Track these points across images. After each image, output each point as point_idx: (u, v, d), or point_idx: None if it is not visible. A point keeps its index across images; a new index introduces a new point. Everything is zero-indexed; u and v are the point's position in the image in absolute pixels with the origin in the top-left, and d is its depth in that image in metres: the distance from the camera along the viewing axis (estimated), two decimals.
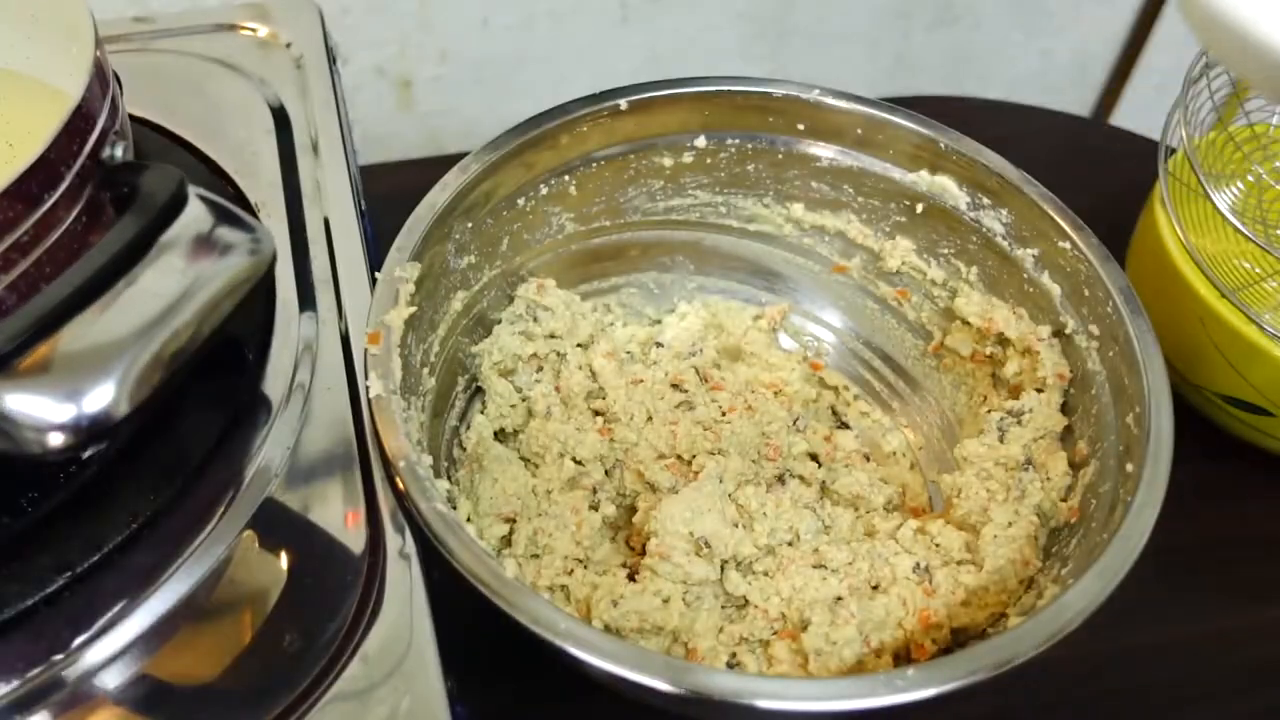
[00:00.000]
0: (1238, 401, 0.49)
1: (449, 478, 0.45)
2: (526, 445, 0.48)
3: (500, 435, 0.49)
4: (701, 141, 0.50)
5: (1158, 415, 0.40)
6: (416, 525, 0.36)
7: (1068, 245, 0.45)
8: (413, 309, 0.41)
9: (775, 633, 0.42)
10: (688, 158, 0.51)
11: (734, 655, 0.42)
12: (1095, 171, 0.48)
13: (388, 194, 0.49)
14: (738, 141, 0.50)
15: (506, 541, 0.45)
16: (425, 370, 0.44)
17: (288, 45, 0.53)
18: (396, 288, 0.41)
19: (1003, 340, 0.48)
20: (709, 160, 0.51)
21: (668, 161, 0.51)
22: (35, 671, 0.33)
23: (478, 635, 0.37)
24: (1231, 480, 0.52)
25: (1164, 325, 0.47)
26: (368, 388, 0.38)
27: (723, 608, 0.43)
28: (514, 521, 0.45)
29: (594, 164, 0.50)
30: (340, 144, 0.49)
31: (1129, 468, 0.39)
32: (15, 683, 0.33)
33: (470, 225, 0.46)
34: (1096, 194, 0.48)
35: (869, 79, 0.79)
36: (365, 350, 0.40)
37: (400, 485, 0.36)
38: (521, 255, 0.50)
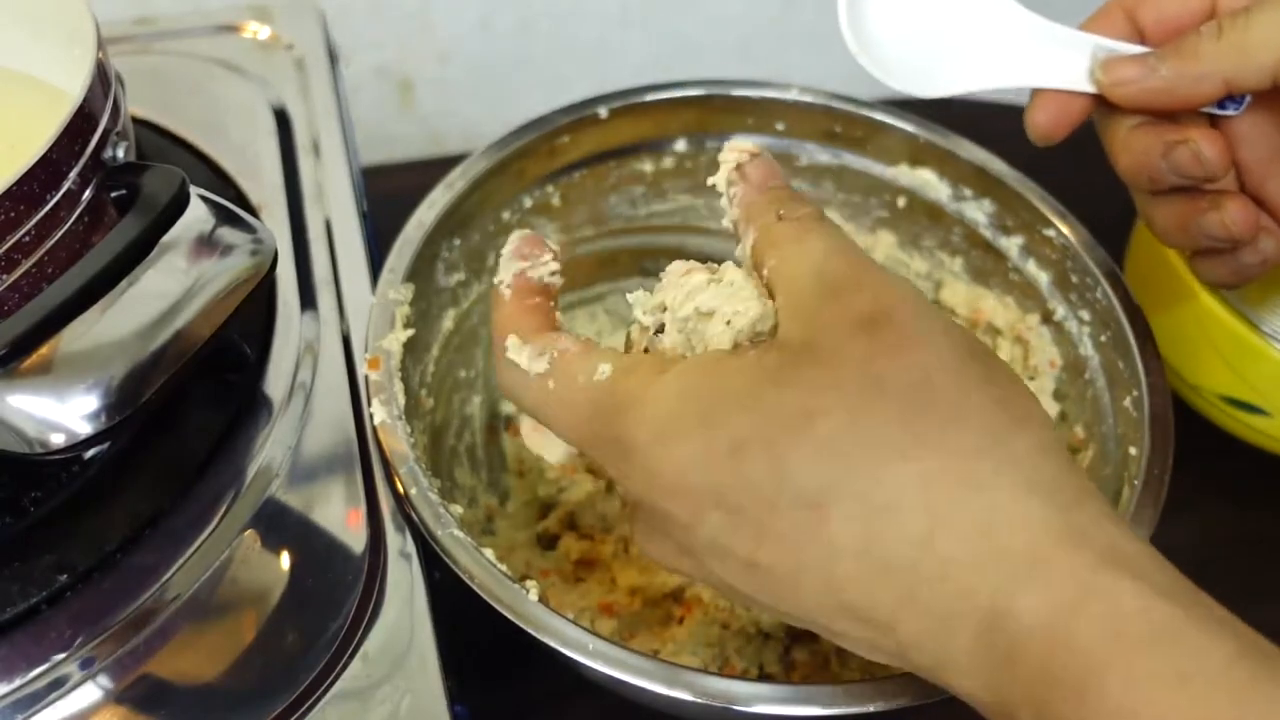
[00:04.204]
0: (1236, 402, 0.49)
1: (454, 498, 0.45)
2: None
3: None
4: (681, 145, 0.50)
5: (1156, 397, 0.40)
6: (430, 549, 0.36)
7: (1052, 233, 0.46)
8: (410, 331, 0.42)
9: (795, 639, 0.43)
10: (668, 162, 0.51)
11: (761, 668, 0.42)
12: (1095, 172, 0.48)
13: (389, 194, 0.49)
14: (717, 144, 0.50)
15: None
16: (423, 391, 0.44)
17: (289, 46, 0.53)
18: (392, 310, 0.41)
19: (992, 329, 0.49)
20: (689, 164, 0.51)
21: (648, 167, 0.51)
22: (37, 671, 0.33)
23: (478, 635, 0.37)
24: (1230, 480, 0.52)
25: (1163, 325, 0.47)
26: (371, 415, 0.39)
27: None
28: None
29: (576, 173, 0.50)
30: (341, 145, 0.49)
31: (1132, 451, 0.40)
32: (17, 682, 0.33)
33: (458, 242, 0.46)
34: (1096, 195, 0.48)
35: (869, 80, 0.79)
36: (366, 376, 0.40)
37: (414, 514, 0.36)
38: None
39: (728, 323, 0.29)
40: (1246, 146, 0.37)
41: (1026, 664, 0.24)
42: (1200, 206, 0.36)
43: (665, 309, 0.31)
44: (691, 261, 0.32)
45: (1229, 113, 0.36)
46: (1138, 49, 0.36)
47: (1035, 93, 0.38)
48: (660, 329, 0.31)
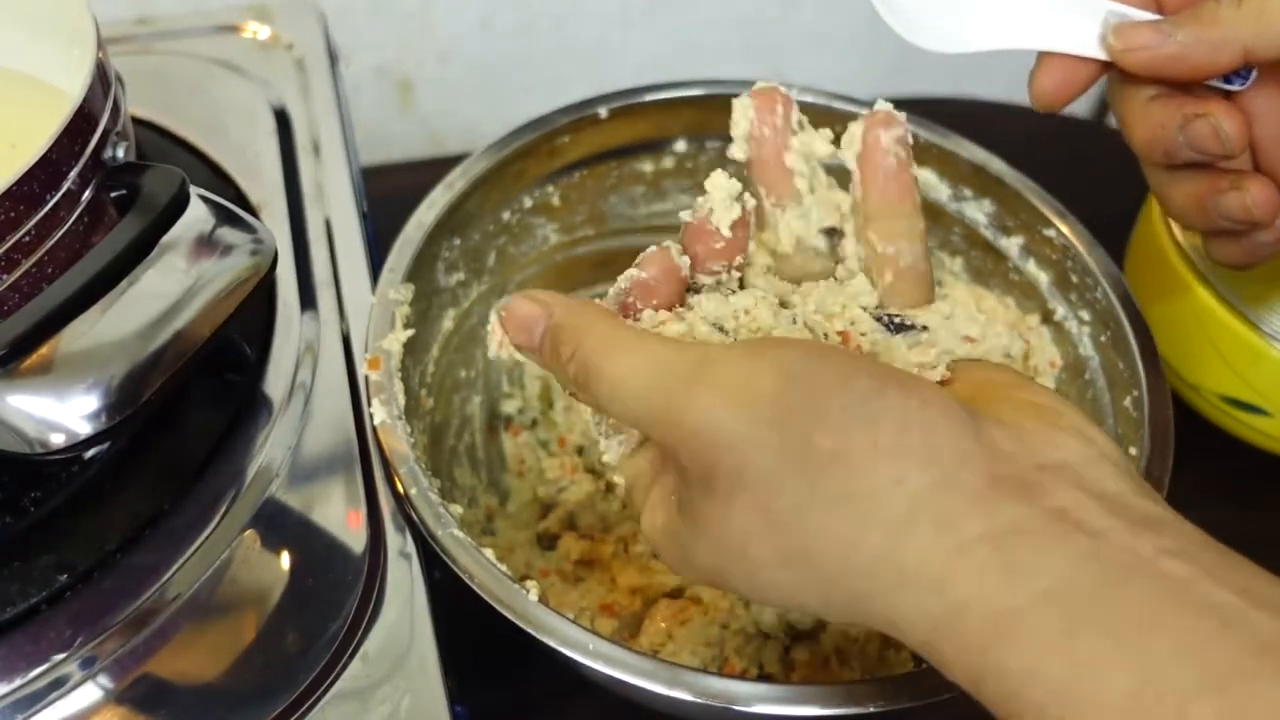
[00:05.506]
0: (1236, 402, 0.50)
1: (454, 498, 0.45)
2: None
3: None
4: (681, 145, 0.50)
5: (1155, 397, 0.40)
6: (430, 549, 0.36)
7: (1053, 233, 0.46)
8: (410, 332, 0.42)
9: (793, 640, 0.43)
10: (668, 162, 0.51)
11: (761, 668, 0.42)
12: (1095, 173, 0.49)
13: (389, 194, 0.49)
14: (717, 144, 0.50)
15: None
16: (423, 391, 0.44)
17: (289, 46, 0.53)
18: (392, 310, 0.41)
19: None
20: (689, 164, 0.51)
21: (648, 167, 0.51)
22: (37, 671, 0.33)
23: (478, 634, 0.37)
24: (1230, 480, 0.52)
25: (1163, 325, 0.47)
26: (371, 415, 0.39)
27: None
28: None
29: (576, 173, 0.50)
30: (341, 145, 0.49)
31: (1132, 451, 0.40)
32: (17, 682, 0.33)
33: (458, 242, 0.46)
34: (1096, 195, 0.48)
35: (869, 80, 0.79)
36: (366, 376, 0.40)
37: (414, 514, 0.36)
38: (508, 269, 0.50)
39: None
40: (1259, 124, 0.35)
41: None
42: (1220, 186, 0.35)
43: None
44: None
45: (1235, 87, 0.35)
46: (1152, 16, 0.35)
47: (1041, 57, 0.36)
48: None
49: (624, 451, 0.33)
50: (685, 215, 0.34)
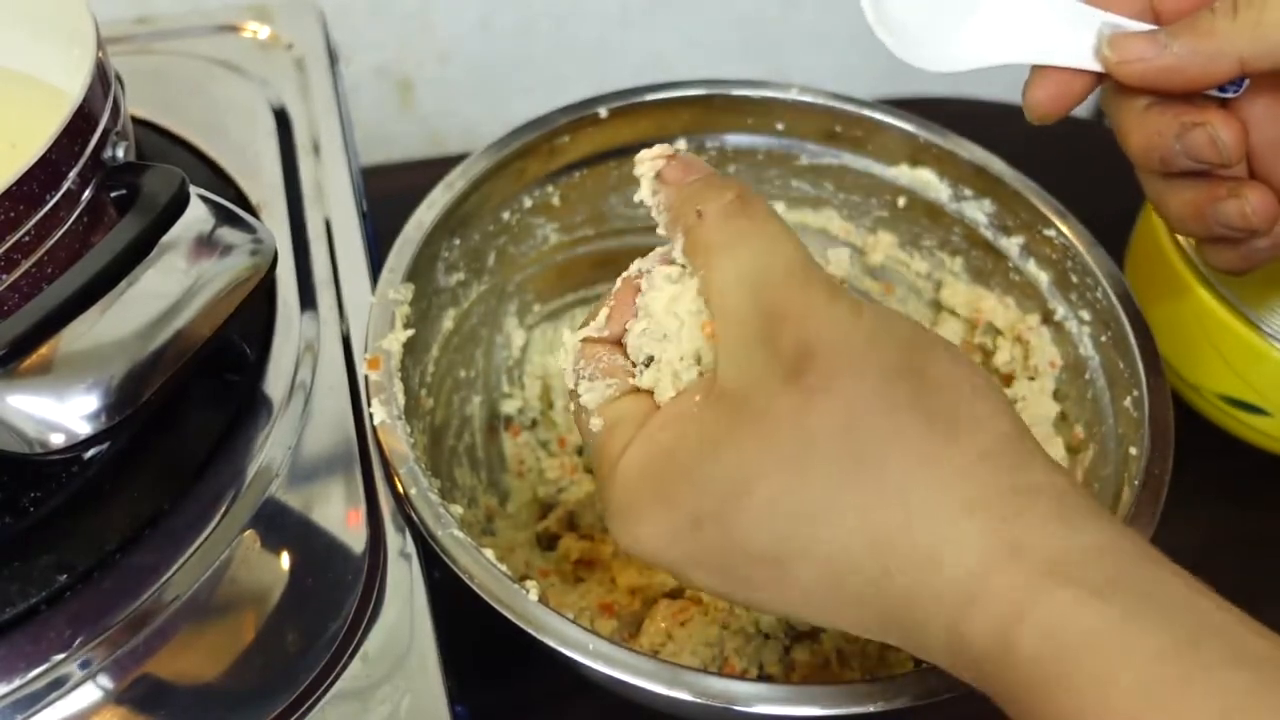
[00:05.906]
0: (1236, 402, 0.49)
1: (454, 498, 0.45)
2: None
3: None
4: (681, 145, 0.50)
5: (1156, 397, 0.40)
6: (430, 549, 0.36)
7: (1053, 233, 0.46)
8: (410, 332, 0.42)
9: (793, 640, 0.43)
10: None
11: (761, 668, 0.42)
12: (1095, 173, 0.48)
13: (389, 194, 0.49)
14: (717, 144, 0.50)
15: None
16: (423, 391, 0.44)
17: (289, 46, 0.53)
18: (392, 310, 0.41)
19: (993, 329, 0.49)
20: None
21: None
22: (36, 671, 0.33)
23: (478, 634, 0.37)
24: (1230, 480, 0.52)
25: (1163, 325, 0.47)
26: (371, 415, 0.39)
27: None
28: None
29: (576, 173, 0.50)
30: (341, 144, 0.49)
31: (1132, 451, 0.40)
32: (16, 682, 0.33)
33: (458, 242, 0.46)
34: (1096, 195, 0.48)
35: (869, 79, 0.79)
36: (366, 376, 0.40)
37: (414, 514, 0.36)
38: (508, 269, 0.50)
39: (674, 371, 0.31)
40: (1256, 131, 0.35)
41: (990, 679, 0.26)
42: (1218, 194, 0.35)
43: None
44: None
45: (1228, 95, 0.35)
46: (1148, 26, 0.34)
47: (1035, 69, 0.36)
48: (649, 361, 0.32)
49: (610, 394, 0.32)
50: None
